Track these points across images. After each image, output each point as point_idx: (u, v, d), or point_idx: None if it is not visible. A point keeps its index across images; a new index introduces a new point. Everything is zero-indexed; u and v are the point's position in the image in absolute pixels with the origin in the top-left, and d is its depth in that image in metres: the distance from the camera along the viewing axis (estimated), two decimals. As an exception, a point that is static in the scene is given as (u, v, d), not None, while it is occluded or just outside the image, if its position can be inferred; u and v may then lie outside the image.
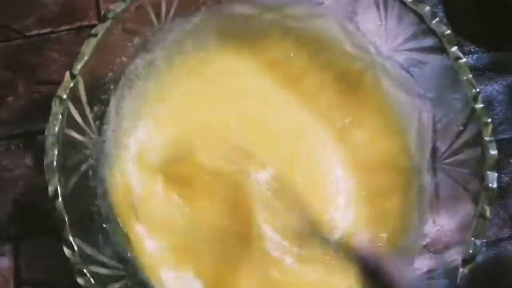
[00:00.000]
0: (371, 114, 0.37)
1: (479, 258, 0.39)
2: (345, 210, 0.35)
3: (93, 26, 0.43)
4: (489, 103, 0.43)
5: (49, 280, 0.38)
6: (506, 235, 0.40)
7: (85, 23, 0.44)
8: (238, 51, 0.38)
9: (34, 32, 0.44)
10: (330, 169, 0.37)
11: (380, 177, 0.36)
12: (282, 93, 0.38)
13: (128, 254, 0.32)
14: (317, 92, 0.38)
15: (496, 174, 0.30)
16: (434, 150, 0.35)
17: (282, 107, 0.37)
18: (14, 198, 0.40)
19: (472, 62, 0.44)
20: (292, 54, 0.38)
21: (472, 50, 0.45)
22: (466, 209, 0.31)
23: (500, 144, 0.42)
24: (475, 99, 0.31)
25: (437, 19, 0.32)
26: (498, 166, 0.31)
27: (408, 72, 0.36)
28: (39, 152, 0.39)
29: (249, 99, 0.37)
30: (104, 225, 0.31)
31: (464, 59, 0.32)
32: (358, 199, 0.34)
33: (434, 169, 0.34)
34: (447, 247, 0.31)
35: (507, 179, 0.42)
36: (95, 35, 0.31)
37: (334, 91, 0.38)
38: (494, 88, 0.44)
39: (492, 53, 0.45)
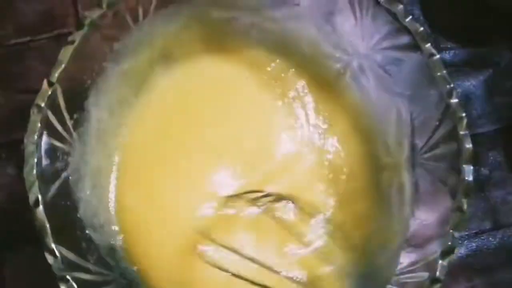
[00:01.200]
0: (350, 113, 0.38)
1: (461, 251, 0.40)
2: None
3: (72, 33, 0.44)
4: (466, 98, 0.44)
5: (36, 290, 0.38)
6: (487, 228, 0.41)
7: (64, 30, 0.44)
8: (217, 54, 0.38)
9: (13, 41, 0.44)
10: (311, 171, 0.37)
11: (358, 177, 0.36)
12: (262, 95, 0.38)
13: (112, 259, 0.31)
14: (297, 93, 0.39)
15: (471, 167, 0.30)
16: (412, 147, 0.35)
17: (261, 109, 0.38)
18: (-2, 208, 0.39)
19: (449, 58, 0.45)
20: (271, 57, 0.39)
21: (449, 46, 0.46)
22: (445, 203, 0.31)
23: (478, 138, 0.43)
24: (449, 94, 0.32)
25: (410, 17, 0.33)
26: (475, 160, 0.31)
27: (385, 70, 0.36)
28: (21, 161, 0.40)
29: (229, 100, 0.37)
30: (87, 231, 0.31)
31: (438, 56, 0.32)
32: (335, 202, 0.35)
33: (413, 165, 0.35)
34: (427, 241, 0.32)
35: (487, 172, 0.42)
36: (72, 42, 0.31)
37: (313, 92, 0.38)
38: (472, 83, 0.45)
39: (469, 48, 0.46)
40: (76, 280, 0.27)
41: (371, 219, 0.35)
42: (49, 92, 0.30)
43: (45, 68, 0.43)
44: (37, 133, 0.29)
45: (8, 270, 0.38)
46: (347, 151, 0.37)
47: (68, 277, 0.27)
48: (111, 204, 0.34)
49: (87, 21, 0.31)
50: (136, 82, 0.37)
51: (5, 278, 0.38)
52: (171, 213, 0.35)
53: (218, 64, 0.38)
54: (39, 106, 0.30)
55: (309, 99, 0.38)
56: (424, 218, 0.33)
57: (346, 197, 0.35)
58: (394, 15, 0.33)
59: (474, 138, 0.31)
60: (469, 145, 0.31)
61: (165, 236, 0.34)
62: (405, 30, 0.33)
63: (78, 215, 0.31)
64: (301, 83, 0.38)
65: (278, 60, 0.39)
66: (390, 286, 0.31)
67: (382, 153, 0.37)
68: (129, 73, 0.36)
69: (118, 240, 0.33)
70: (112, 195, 0.34)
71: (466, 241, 0.40)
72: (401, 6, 0.33)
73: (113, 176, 0.34)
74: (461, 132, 0.31)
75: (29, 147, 0.29)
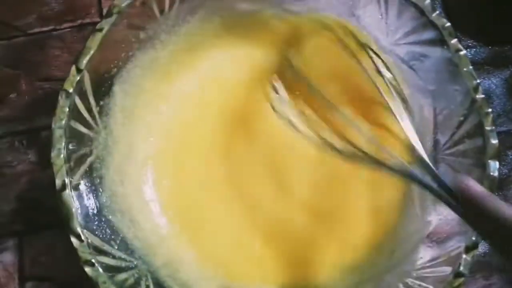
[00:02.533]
0: (373, 107, 0.38)
1: (479, 249, 0.39)
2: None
3: (95, 23, 0.44)
4: (487, 96, 0.44)
5: (53, 275, 0.38)
6: (506, 226, 0.41)
7: (87, 20, 0.44)
8: (240, 44, 0.39)
9: (36, 29, 0.44)
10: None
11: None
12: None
13: (134, 245, 0.32)
14: (322, 84, 0.39)
15: (497, 163, 0.30)
16: (435, 142, 0.35)
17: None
18: (18, 194, 0.40)
19: (470, 56, 0.45)
20: (293, 48, 0.39)
21: (470, 44, 0.45)
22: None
23: (498, 137, 0.43)
24: (475, 90, 0.32)
25: (437, 12, 0.33)
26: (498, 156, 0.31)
27: (409, 65, 0.36)
28: (42, 148, 0.40)
29: (251, 90, 0.38)
30: (110, 217, 0.31)
31: (464, 51, 0.32)
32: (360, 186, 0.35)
33: (436, 160, 0.35)
34: (449, 237, 0.32)
35: (506, 170, 0.42)
36: (100, 29, 0.31)
37: (337, 84, 0.38)
38: (492, 82, 0.45)
39: (489, 47, 0.45)
40: (100, 264, 0.28)
41: (395, 211, 0.35)
42: (77, 78, 0.30)
43: (68, 56, 0.44)
44: (65, 119, 0.29)
45: (27, 255, 0.38)
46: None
47: (93, 260, 0.27)
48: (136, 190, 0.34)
49: (115, 10, 0.32)
50: (161, 70, 0.37)
51: (24, 263, 0.38)
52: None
53: (241, 51, 0.39)
54: (67, 92, 0.30)
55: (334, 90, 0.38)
56: (446, 214, 0.33)
57: (378, 182, 0.35)
58: (420, 10, 0.33)
59: (495, 134, 0.31)
60: (495, 141, 0.31)
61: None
62: (431, 25, 0.33)
63: (103, 201, 0.31)
64: (326, 71, 0.38)
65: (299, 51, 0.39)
66: (410, 279, 0.31)
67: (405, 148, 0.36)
68: (154, 62, 0.36)
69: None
70: (137, 181, 0.34)
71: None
72: (428, 1, 0.33)
73: (138, 162, 0.34)
74: (487, 128, 0.31)
75: (57, 132, 0.29)
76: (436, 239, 0.33)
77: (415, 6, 0.33)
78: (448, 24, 0.33)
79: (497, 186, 0.41)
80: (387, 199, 0.35)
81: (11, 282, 0.38)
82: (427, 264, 0.32)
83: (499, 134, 0.43)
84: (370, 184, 0.35)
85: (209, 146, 0.37)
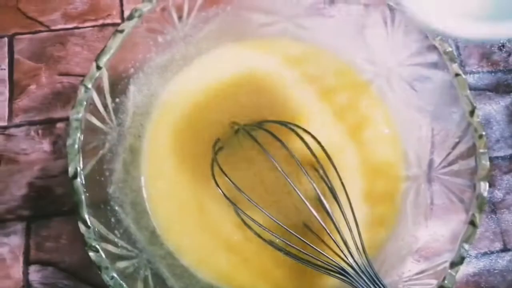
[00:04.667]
0: (375, 122, 0.40)
1: (469, 269, 0.41)
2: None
3: (116, 24, 0.46)
4: (486, 122, 0.45)
5: (56, 261, 0.39)
6: (497, 249, 0.42)
7: (108, 21, 0.47)
8: (253, 51, 0.41)
9: (60, 26, 0.46)
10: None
11: (379, 182, 0.38)
12: (297, 91, 0.40)
13: (137, 237, 0.33)
14: (329, 94, 0.41)
15: (487, 184, 0.32)
16: (431, 161, 0.36)
17: (295, 103, 0.40)
18: (29, 181, 0.42)
19: (473, 81, 0.46)
20: (302, 59, 0.41)
21: (474, 70, 0.47)
22: (458, 218, 0.33)
23: (494, 162, 0.44)
24: (471, 113, 0.33)
25: (440, 36, 0.34)
26: (490, 182, 0.32)
27: (411, 86, 0.38)
28: (56, 139, 0.42)
29: (264, 96, 0.40)
30: (116, 208, 0.33)
31: (463, 76, 0.34)
32: (357, 199, 0.36)
33: (430, 179, 0.36)
34: (437, 253, 0.33)
35: (501, 195, 0.43)
36: (121, 31, 0.33)
37: (343, 96, 0.40)
38: (493, 107, 0.46)
39: (493, 74, 0.47)
40: (103, 250, 0.29)
41: (387, 225, 0.36)
42: (96, 75, 0.32)
43: (88, 54, 0.46)
44: (82, 112, 0.31)
45: (33, 240, 0.40)
46: (371, 156, 0.38)
47: (97, 246, 0.29)
48: (140, 184, 0.36)
49: (137, 13, 0.34)
50: (172, 73, 0.39)
51: (30, 247, 0.40)
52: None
53: (249, 58, 0.41)
54: (86, 87, 0.32)
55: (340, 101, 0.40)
56: (437, 231, 0.34)
57: (371, 193, 0.37)
58: (424, 33, 0.35)
59: (491, 161, 0.32)
60: (486, 162, 0.32)
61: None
62: (434, 48, 0.35)
63: (110, 192, 0.33)
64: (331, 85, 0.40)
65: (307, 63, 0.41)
66: (396, 291, 0.32)
67: (402, 165, 0.38)
68: (168, 65, 0.38)
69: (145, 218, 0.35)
70: (141, 175, 0.36)
71: (474, 260, 0.41)
72: (432, 26, 0.35)
73: (143, 157, 0.36)
74: (480, 150, 0.32)
75: (74, 123, 0.31)
76: (425, 253, 0.34)
77: (420, 29, 0.35)
78: (450, 49, 0.34)
79: (491, 210, 0.43)
80: (381, 212, 0.36)
81: (16, 264, 0.39)
82: (414, 277, 0.33)
83: (496, 159, 0.44)
84: (364, 197, 0.36)
85: (207, 146, 0.38)
